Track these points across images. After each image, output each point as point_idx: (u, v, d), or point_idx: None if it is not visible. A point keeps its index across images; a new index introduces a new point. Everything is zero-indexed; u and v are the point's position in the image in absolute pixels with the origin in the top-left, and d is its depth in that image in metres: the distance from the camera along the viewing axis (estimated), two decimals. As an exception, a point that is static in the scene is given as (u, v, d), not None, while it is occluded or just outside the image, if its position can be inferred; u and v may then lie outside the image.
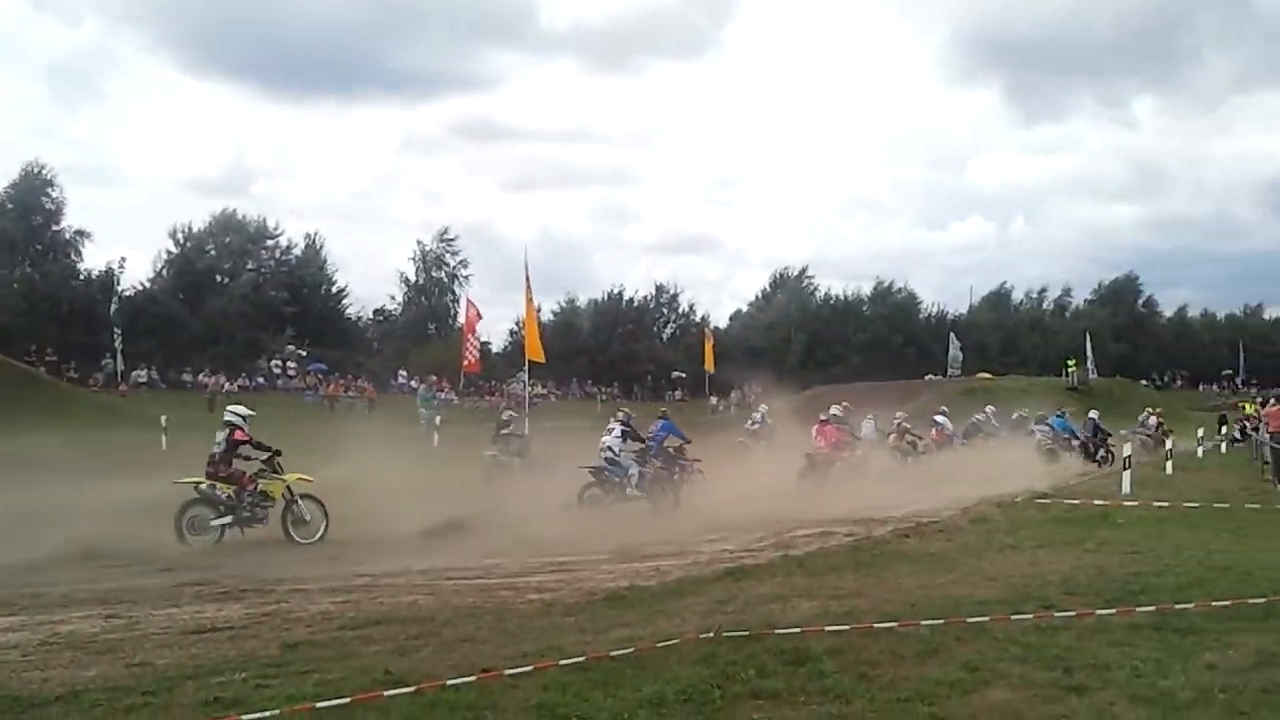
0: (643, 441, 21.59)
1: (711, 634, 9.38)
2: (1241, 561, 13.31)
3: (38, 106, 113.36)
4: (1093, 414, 35.62)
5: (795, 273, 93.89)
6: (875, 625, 9.68)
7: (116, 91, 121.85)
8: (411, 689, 7.64)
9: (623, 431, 21.06)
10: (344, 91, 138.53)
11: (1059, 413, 35.84)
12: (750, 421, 35.55)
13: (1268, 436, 23.76)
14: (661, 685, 7.85)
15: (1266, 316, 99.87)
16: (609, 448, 20.68)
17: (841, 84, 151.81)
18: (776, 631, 9.46)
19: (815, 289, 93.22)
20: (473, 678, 7.96)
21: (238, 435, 16.75)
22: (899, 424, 32.06)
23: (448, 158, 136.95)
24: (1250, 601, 10.69)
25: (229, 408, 17.77)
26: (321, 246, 79.40)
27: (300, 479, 17.02)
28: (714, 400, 65.40)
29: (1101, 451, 33.06)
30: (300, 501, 16.81)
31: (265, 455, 16.93)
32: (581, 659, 8.51)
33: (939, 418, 34.94)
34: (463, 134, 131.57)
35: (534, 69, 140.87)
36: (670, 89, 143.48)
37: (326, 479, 17.67)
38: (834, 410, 29.09)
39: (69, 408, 46.09)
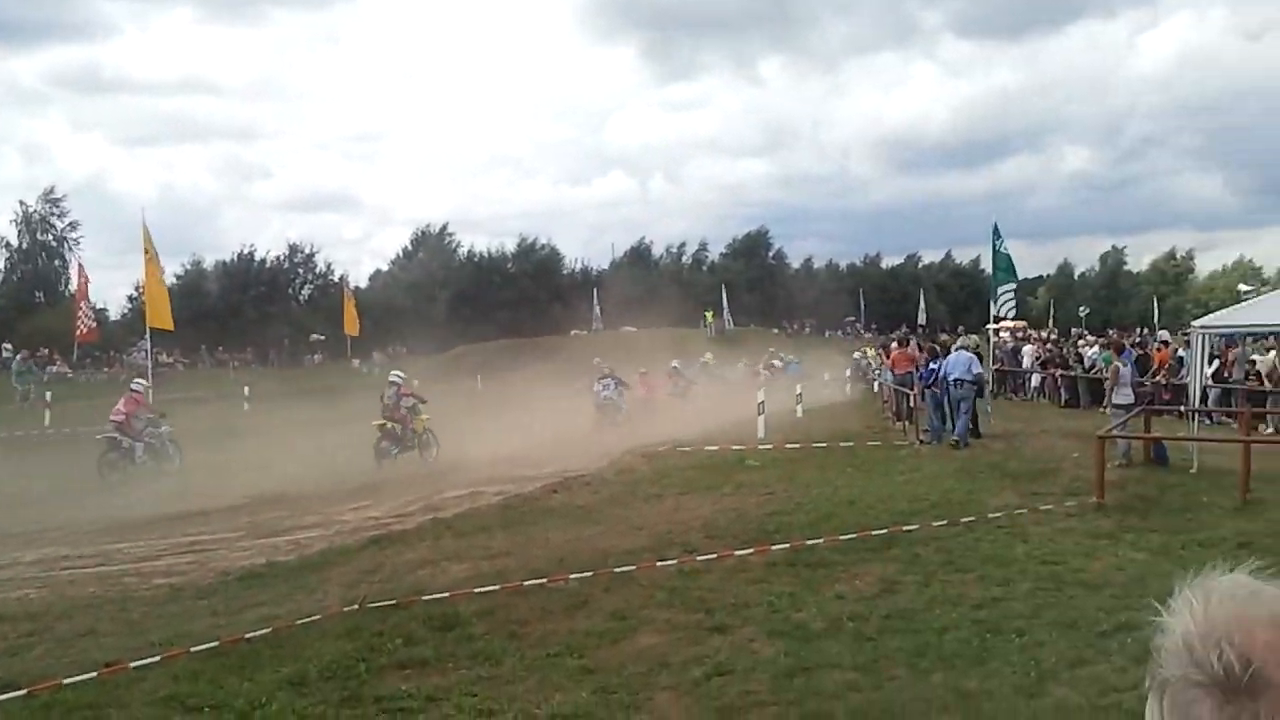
0: (628, 386, 30.41)
1: (356, 606, 9.07)
2: (865, 496, 14.24)
3: None
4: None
5: (437, 230, 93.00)
6: (524, 583, 9.65)
7: None
8: (23, 692, 6.98)
9: (614, 383, 29.51)
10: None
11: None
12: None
13: (890, 377, 25.41)
14: (303, 664, 7.53)
15: (884, 266, 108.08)
16: (609, 397, 28.98)
17: (482, 39, 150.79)
18: (425, 598, 9.28)
19: (458, 246, 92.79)
20: (94, 674, 7.34)
21: (404, 390, 23.15)
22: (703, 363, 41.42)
23: (52, 111, 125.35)
24: (873, 533, 11.45)
25: (394, 371, 25.43)
26: (-96, 211, 71.00)
27: (427, 417, 22.94)
28: (356, 363, 63.79)
29: None
30: (428, 432, 22.72)
31: (412, 402, 22.91)
32: (215, 644, 8.00)
33: (776, 361, 44.96)
34: (68, 86, 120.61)
35: (146, 17, 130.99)
36: (297, 40, 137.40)
37: None
38: (674, 364, 35.66)
39: None
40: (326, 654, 7.73)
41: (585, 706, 6.76)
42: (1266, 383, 22.80)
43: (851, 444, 19.97)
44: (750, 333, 69.84)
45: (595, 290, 79.32)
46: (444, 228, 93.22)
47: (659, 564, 10.31)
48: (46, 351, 52.24)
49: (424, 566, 10.99)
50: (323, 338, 72.25)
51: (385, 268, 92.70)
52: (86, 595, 10.56)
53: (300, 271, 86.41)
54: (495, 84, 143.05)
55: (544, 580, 9.73)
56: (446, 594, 9.38)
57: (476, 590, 9.44)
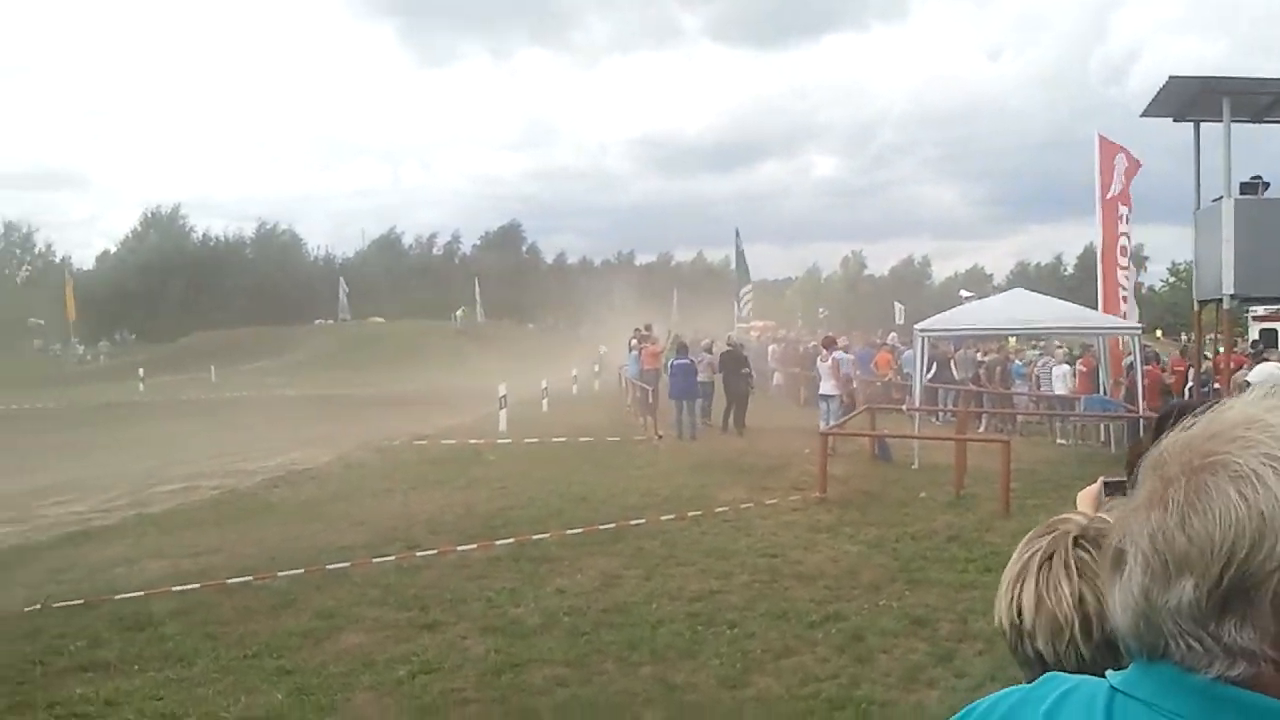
0: None
1: (38, 606, 8.41)
2: (597, 491, 14.20)
3: None
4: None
5: (169, 212, 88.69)
6: (228, 581, 9.15)
7: None
8: None
9: None
10: None
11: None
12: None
13: (635, 373, 25.56)
14: (-28, 669, 6.90)
15: (637, 263, 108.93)
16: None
17: (228, 11, 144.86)
18: (116, 597, 8.68)
19: (192, 230, 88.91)
20: None
21: None
22: None
23: None
24: (601, 528, 11.42)
25: None
26: None
27: None
28: (81, 349, 60.02)
29: None
30: None
31: None
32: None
33: None
34: None
35: None
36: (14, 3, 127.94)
37: None
38: None
39: None
40: (-1, 657, 7.11)
41: (278, 709, 6.42)
42: (986, 383, 24.17)
43: (591, 439, 19.98)
44: (503, 327, 69.44)
45: (341, 279, 77.24)
46: (176, 209, 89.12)
47: (375, 560, 9.97)
48: None
49: (121, 564, 10.28)
50: (42, 323, 67.58)
51: (114, 249, 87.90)
52: None
53: (17, 252, 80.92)
54: (240, 60, 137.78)
55: (250, 578, 9.24)
56: (141, 593, 8.79)
57: (175, 589, 8.89)
